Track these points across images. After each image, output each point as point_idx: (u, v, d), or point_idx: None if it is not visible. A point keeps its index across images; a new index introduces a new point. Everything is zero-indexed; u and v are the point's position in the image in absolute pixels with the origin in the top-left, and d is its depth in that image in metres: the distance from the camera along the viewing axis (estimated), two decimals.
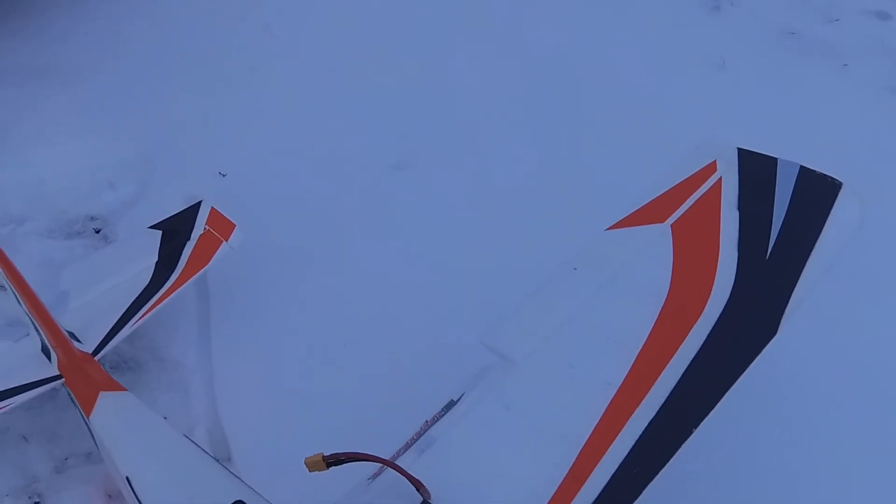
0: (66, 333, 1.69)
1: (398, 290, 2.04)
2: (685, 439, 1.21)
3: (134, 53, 2.81)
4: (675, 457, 1.20)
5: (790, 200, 1.50)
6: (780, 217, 1.48)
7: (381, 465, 1.22)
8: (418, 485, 1.16)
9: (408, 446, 1.34)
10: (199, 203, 1.99)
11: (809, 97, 2.40)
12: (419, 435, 1.35)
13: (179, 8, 2.97)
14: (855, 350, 1.88)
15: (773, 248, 1.43)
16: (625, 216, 1.57)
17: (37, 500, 1.74)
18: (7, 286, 1.78)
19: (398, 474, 1.20)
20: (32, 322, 1.73)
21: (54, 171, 2.41)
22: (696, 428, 1.23)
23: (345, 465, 1.20)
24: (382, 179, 2.38)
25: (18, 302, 1.75)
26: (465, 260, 2.05)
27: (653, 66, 2.56)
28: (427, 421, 1.38)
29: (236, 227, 1.93)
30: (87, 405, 1.60)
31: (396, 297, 2.02)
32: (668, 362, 1.30)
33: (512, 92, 2.59)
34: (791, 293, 1.36)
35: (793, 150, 1.58)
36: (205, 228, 1.94)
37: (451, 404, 1.38)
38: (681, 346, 1.32)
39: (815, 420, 1.76)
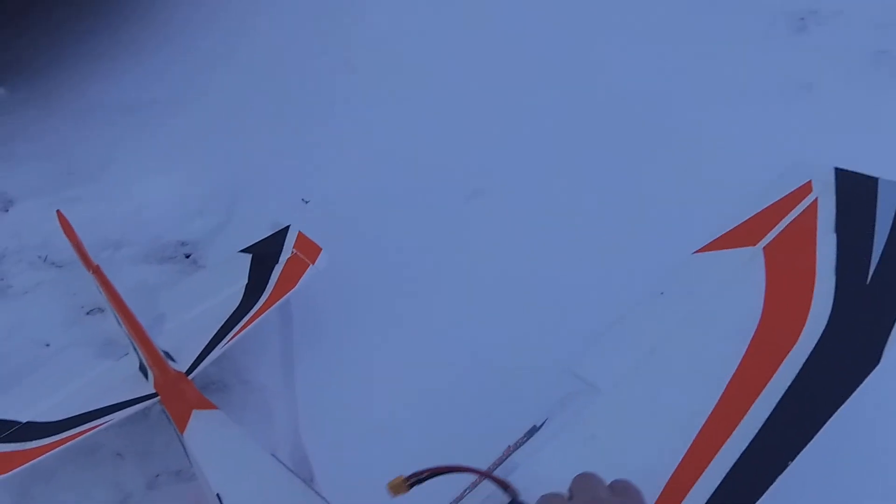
0: (163, 353, 1.77)
1: (480, 315, 2.04)
2: (779, 473, 1.16)
3: (222, 89, 2.95)
4: (767, 492, 1.15)
5: (893, 222, 1.44)
6: (882, 240, 1.41)
7: (472, 476, 1.21)
8: (505, 485, 1.15)
9: (490, 471, 1.33)
10: (287, 228, 2.06)
11: None
12: (501, 460, 1.33)
13: (265, 46, 3.10)
14: None
15: (874, 272, 1.36)
16: (713, 239, 1.53)
17: None
18: (108, 308, 1.87)
19: (480, 495, 1.19)
20: (131, 342, 1.81)
21: (149, 200, 2.55)
22: (791, 461, 1.17)
23: (427, 482, 1.20)
24: (459, 207, 2.40)
25: (118, 323, 1.84)
26: (547, 285, 2.03)
27: (737, 89, 2.50)
28: (510, 446, 1.36)
29: (322, 251, 1.98)
30: (182, 423, 1.65)
31: (479, 322, 2.02)
32: (760, 392, 1.25)
33: (586, 120, 2.58)
34: (895, 320, 1.30)
35: (889, 173, 1.51)
36: (292, 252, 2.00)
37: (533, 430, 1.36)
38: (774, 376, 1.26)
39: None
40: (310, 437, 1.89)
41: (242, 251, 2.03)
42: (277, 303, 1.93)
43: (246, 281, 1.95)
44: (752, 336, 1.33)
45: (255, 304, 1.90)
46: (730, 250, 1.50)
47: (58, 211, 1.89)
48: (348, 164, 2.61)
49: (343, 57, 3.04)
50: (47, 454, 1.68)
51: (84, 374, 1.86)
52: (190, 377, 1.77)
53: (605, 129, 2.50)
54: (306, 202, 2.46)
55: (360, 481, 1.75)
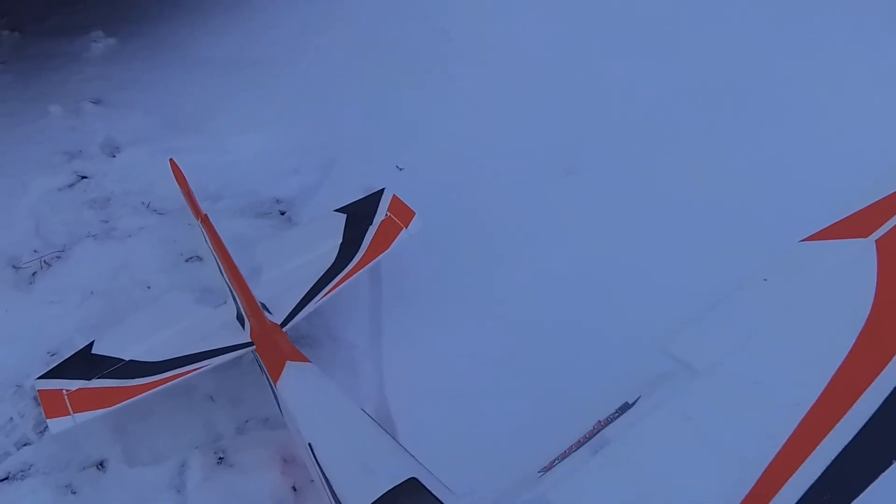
0: (260, 304, 1.82)
1: (571, 290, 2.03)
2: (884, 469, 1.13)
3: (321, 51, 3.00)
4: (871, 488, 1.13)
5: None
6: None
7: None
8: None
9: (580, 444, 1.33)
10: (382, 190, 2.08)
11: None
12: (591, 434, 1.33)
13: (363, 9, 3.12)
14: None
15: None
16: (822, 228, 1.49)
17: (221, 455, 1.88)
18: (213, 256, 1.93)
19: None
20: (231, 291, 1.87)
21: (247, 156, 2.62)
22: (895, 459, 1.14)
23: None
24: (553, 183, 2.39)
25: (221, 272, 1.90)
26: (645, 262, 2.01)
27: (855, 80, 2.40)
28: (600, 421, 1.36)
29: (416, 215, 2.00)
30: (275, 373, 1.71)
31: (569, 297, 2.02)
32: (867, 387, 1.22)
33: (686, 101, 2.52)
34: None
35: None
36: (386, 214, 2.03)
37: (625, 406, 1.36)
38: (882, 372, 1.23)
39: None
40: (393, 396, 1.93)
41: (338, 210, 2.07)
42: (373, 262, 1.97)
43: (340, 240, 1.99)
44: (860, 330, 1.29)
45: (348, 263, 1.93)
46: (839, 241, 1.45)
47: (171, 160, 1.96)
48: (444, 133, 2.62)
49: (441, 25, 3.03)
50: (146, 393, 1.77)
51: (184, 318, 1.94)
52: (284, 329, 1.82)
53: (711, 110, 2.44)
54: (400, 169, 2.49)
55: (439, 443, 1.80)
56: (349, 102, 2.77)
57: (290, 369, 1.69)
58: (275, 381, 1.70)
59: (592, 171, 2.38)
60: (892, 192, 1.50)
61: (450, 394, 1.89)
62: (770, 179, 2.14)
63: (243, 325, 1.84)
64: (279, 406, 1.72)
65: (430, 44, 2.95)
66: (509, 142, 2.55)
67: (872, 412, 1.19)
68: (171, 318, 1.94)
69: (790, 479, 1.15)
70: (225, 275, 1.86)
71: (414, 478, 1.32)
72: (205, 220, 1.88)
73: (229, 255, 1.83)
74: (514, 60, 2.81)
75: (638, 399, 1.35)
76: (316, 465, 1.46)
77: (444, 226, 2.27)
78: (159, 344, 1.88)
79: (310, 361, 1.73)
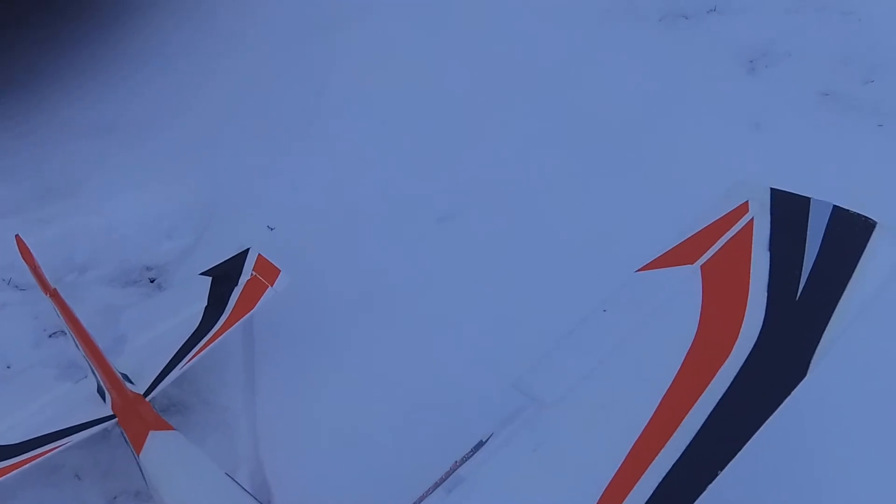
0: (120, 375, 1.78)
1: (434, 338, 2.08)
2: (710, 481, 1.20)
3: (195, 111, 2.98)
4: (699, 499, 1.19)
5: (822, 240, 1.49)
6: (812, 257, 1.46)
7: None
8: None
9: (436, 485, 1.36)
10: (248, 250, 2.09)
11: (845, 156, 2.40)
12: (448, 475, 1.37)
13: (237, 67, 3.14)
14: (887, 394, 1.84)
15: (803, 288, 1.42)
16: (655, 258, 1.59)
17: None
18: (67, 331, 1.89)
19: None
20: (89, 364, 1.83)
21: (121, 220, 2.57)
22: (721, 470, 1.22)
23: None
24: (425, 231, 2.43)
25: (76, 346, 1.85)
26: (498, 306, 2.08)
27: (690, 126, 2.57)
28: (456, 461, 1.40)
29: (281, 273, 2.01)
30: (138, 444, 1.67)
31: (433, 346, 2.06)
32: (694, 403, 1.30)
33: (542, 141, 2.64)
34: (822, 335, 1.35)
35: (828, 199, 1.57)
36: (252, 274, 2.03)
37: (479, 444, 1.40)
38: (707, 387, 1.31)
39: (843, 465, 1.74)
40: (269, 455, 1.92)
41: (203, 273, 2.06)
42: (237, 324, 1.96)
43: (205, 303, 1.98)
44: (687, 351, 1.38)
45: (213, 325, 1.92)
46: (670, 268, 1.55)
47: (17, 236, 1.91)
48: (319, 188, 2.63)
49: (315, 82, 3.07)
50: (6, 476, 1.70)
51: (44, 395, 1.88)
52: (148, 398, 1.79)
53: (561, 152, 2.55)
54: (272, 229, 2.49)
55: (313, 494, 1.80)
56: (224, 162, 2.76)
57: (153, 439, 1.66)
58: (137, 453, 1.66)
59: (465, 217, 2.44)
60: (715, 219, 1.63)
61: (323, 446, 1.90)
62: (613, 214, 2.27)
63: (104, 398, 1.80)
64: (144, 478, 1.68)
65: (305, 99, 2.98)
66: (383, 192, 2.59)
67: (698, 427, 1.27)
68: (29, 397, 1.88)
69: (629, 496, 1.21)
70: (80, 348, 1.82)
71: None
72: (54, 295, 1.83)
73: (83, 328, 1.79)
74: (387, 113, 2.86)
75: (491, 436, 1.40)
76: None
77: (317, 280, 2.29)
78: (18, 424, 1.81)
79: (174, 429, 1.71)
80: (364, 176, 2.62)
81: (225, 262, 2.08)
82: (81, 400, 1.84)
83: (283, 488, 1.84)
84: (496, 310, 2.09)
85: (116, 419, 1.76)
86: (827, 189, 2.10)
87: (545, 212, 2.37)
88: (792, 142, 2.48)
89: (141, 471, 1.68)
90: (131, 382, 1.81)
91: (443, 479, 1.37)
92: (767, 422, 1.26)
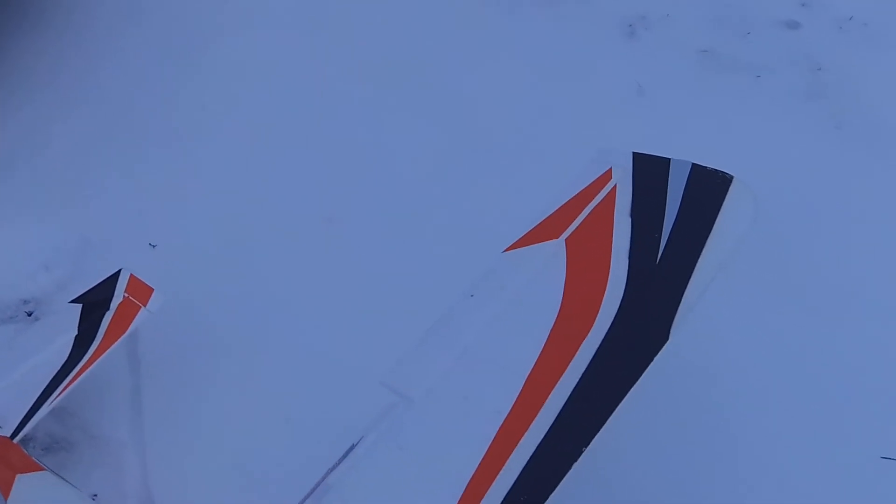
0: None
1: (310, 344, 2.04)
2: (574, 460, 1.17)
3: (62, 138, 2.83)
4: (563, 481, 1.16)
5: (681, 201, 1.47)
6: (672, 219, 1.44)
7: None
8: None
9: (308, 496, 1.31)
10: (119, 272, 1.98)
11: (724, 111, 2.43)
12: (318, 483, 1.31)
13: (104, 85, 3.00)
14: (754, 349, 1.87)
15: (663, 251, 1.39)
16: (521, 236, 1.55)
17: None
18: None
19: None
20: None
21: None
22: (585, 447, 1.18)
23: None
24: (314, 233, 2.37)
25: None
26: (373, 301, 2.04)
27: (570, 98, 2.55)
28: (329, 468, 1.34)
29: (154, 292, 1.91)
30: (6, 489, 1.57)
31: (309, 350, 2.02)
32: (556, 382, 1.26)
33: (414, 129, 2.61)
34: (681, 297, 1.32)
35: (707, 161, 1.55)
36: (124, 296, 1.93)
37: (350, 449, 1.34)
38: (569, 365, 1.28)
39: (713, 420, 1.75)
40: (158, 486, 1.83)
41: (72, 301, 1.95)
42: (116, 349, 1.86)
43: (75, 332, 1.88)
44: (550, 329, 1.34)
45: (84, 355, 1.82)
46: (535, 245, 1.51)
47: None
48: (199, 202, 2.54)
49: (191, 90, 2.97)
50: None
51: None
52: (16, 440, 1.69)
53: (421, 138, 2.52)
54: (153, 246, 2.39)
55: None
56: (100, 185, 2.62)
57: (20, 483, 1.56)
58: (6, 499, 1.57)
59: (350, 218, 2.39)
60: (579, 190, 1.59)
61: (214, 468, 1.83)
62: (483, 195, 2.23)
63: None
64: None
65: (180, 109, 2.88)
66: (269, 197, 2.51)
67: (561, 406, 1.23)
68: None
69: (491, 486, 1.16)
70: None
71: None
72: None
73: None
74: (267, 116, 2.78)
75: (361, 439, 1.34)
76: None
77: (206, 295, 2.21)
78: None
79: (45, 469, 1.61)
80: (245, 182, 2.53)
81: (95, 287, 1.97)
82: None
83: None
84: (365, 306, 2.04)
85: None
86: (707, 147, 2.12)
87: (422, 200, 2.33)
88: (674, 103, 2.50)
89: None
90: None
91: (313, 489, 1.31)
92: (631, 392, 1.24)
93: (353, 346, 1.97)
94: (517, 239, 1.54)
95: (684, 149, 1.65)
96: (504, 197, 2.18)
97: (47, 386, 1.77)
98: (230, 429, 1.89)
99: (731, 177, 1.48)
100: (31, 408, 1.74)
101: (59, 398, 1.76)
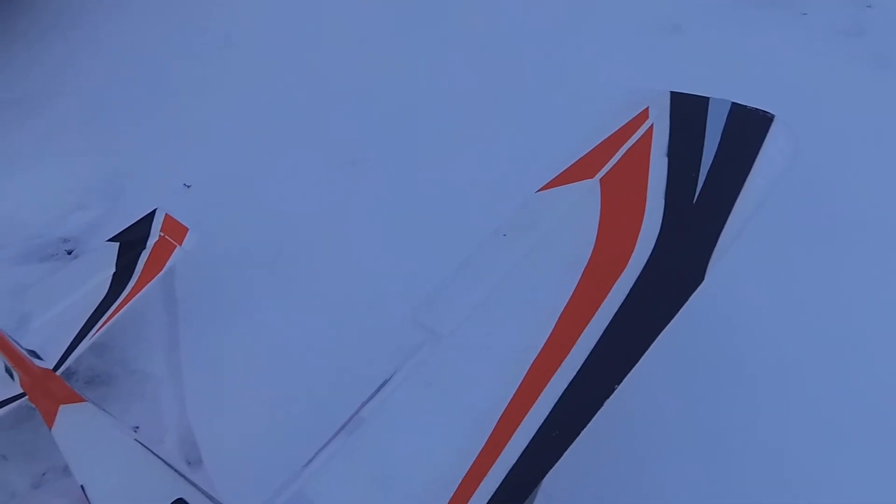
0: (26, 352, 1.73)
1: (343, 282, 2.05)
2: (607, 397, 1.17)
3: (94, 77, 2.84)
4: (596, 417, 1.16)
5: (720, 140, 1.43)
6: (710, 158, 1.41)
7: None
8: None
9: (340, 429, 1.33)
10: (154, 211, 2.01)
11: (767, 48, 2.34)
12: (350, 418, 1.33)
13: (134, 35, 2.99)
14: (792, 290, 1.83)
15: (700, 191, 1.37)
16: (555, 176, 1.53)
17: None
18: None
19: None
20: None
21: (24, 199, 2.46)
22: (618, 385, 1.18)
23: None
24: (340, 175, 2.37)
25: None
26: (402, 241, 2.04)
27: (605, 37, 2.49)
28: (363, 402, 1.36)
29: (189, 231, 1.94)
30: (50, 419, 1.62)
31: (352, 291, 2.03)
32: (589, 321, 1.26)
33: (449, 72, 2.56)
34: (718, 237, 1.30)
35: (747, 100, 1.50)
36: (160, 235, 1.96)
37: (384, 384, 1.36)
38: (602, 304, 1.27)
39: (749, 366, 1.73)
40: (197, 418, 1.88)
41: (110, 240, 1.98)
42: (154, 286, 1.90)
43: (113, 270, 1.91)
44: (584, 267, 1.33)
45: (122, 291, 1.86)
46: (570, 185, 1.50)
47: None
48: (232, 142, 2.55)
49: (224, 33, 2.95)
50: None
51: None
52: (59, 372, 1.74)
53: (453, 76, 2.47)
54: (188, 187, 2.41)
55: (243, 459, 1.77)
56: (130, 125, 2.64)
57: (64, 413, 1.61)
58: (50, 427, 1.62)
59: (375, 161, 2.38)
60: (616, 129, 1.56)
61: (250, 400, 1.87)
62: (517, 133, 2.20)
63: (13, 377, 1.74)
64: (61, 451, 1.64)
65: (213, 54, 2.87)
66: (295, 140, 2.51)
67: (593, 344, 1.23)
68: None
69: (524, 420, 1.18)
70: None
71: (181, 499, 1.33)
72: None
73: None
74: (294, 61, 2.76)
75: (393, 374, 1.36)
76: None
77: (239, 234, 2.23)
78: None
79: (86, 401, 1.66)
80: (276, 125, 2.53)
81: (132, 225, 2.00)
82: None
83: (211, 448, 1.81)
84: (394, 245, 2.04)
85: (27, 396, 1.71)
86: (747, 86, 2.06)
87: (459, 139, 2.30)
88: (714, 41, 2.42)
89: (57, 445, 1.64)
90: (40, 358, 1.75)
91: (346, 423, 1.34)
92: (665, 331, 1.24)
93: (383, 283, 1.99)
94: (551, 178, 1.52)
95: (722, 88, 1.61)
96: (538, 136, 2.15)
97: (87, 321, 1.82)
98: (264, 362, 1.92)
99: (773, 116, 1.44)
100: (72, 342, 1.79)
101: (98, 333, 1.80)
